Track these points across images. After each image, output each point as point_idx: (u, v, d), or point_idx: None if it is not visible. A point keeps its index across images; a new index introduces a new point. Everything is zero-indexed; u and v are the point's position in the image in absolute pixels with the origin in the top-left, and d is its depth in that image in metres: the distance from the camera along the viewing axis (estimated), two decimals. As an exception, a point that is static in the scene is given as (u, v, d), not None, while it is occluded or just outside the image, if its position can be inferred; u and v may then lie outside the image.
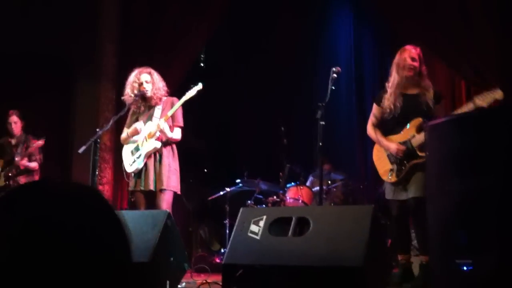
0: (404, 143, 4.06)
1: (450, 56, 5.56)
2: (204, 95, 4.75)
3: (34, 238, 0.78)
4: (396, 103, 4.10)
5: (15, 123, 6.20)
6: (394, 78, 4.15)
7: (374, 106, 4.35)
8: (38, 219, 0.80)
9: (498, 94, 3.69)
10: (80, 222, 0.83)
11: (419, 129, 4.00)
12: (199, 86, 4.57)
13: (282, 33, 8.45)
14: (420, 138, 3.94)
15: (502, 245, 2.68)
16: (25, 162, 6.04)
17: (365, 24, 8.18)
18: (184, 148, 4.84)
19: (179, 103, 4.55)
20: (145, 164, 4.52)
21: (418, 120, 4.04)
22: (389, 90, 4.17)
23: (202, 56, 8.53)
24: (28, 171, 6.12)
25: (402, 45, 4.26)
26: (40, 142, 5.99)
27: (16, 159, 6.01)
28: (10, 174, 6.03)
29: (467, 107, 3.80)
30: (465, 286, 2.83)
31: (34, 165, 6.13)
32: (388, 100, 4.14)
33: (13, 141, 6.22)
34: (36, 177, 6.18)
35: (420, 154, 3.94)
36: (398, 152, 4.06)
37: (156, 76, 4.68)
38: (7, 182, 6.02)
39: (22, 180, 6.06)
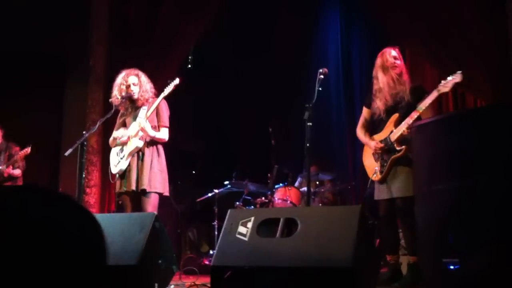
0: (383, 140, 4.15)
1: (439, 56, 5.59)
2: (192, 96, 4.74)
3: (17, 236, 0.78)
4: (387, 102, 4.17)
5: None
6: (381, 80, 4.20)
7: (364, 108, 4.44)
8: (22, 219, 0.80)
9: (458, 77, 3.82)
10: (60, 224, 0.82)
11: (396, 124, 4.08)
12: (176, 81, 4.51)
13: (271, 34, 8.46)
14: (397, 132, 4.04)
15: (490, 244, 2.70)
16: (9, 170, 6.04)
17: (354, 24, 8.21)
18: (172, 149, 4.82)
19: (157, 100, 4.52)
20: (129, 165, 4.49)
21: (395, 116, 4.12)
22: (378, 94, 4.22)
23: (190, 57, 8.50)
24: (12, 178, 6.13)
25: (391, 45, 4.34)
26: (26, 150, 5.98)
27: (0, 167, 5.97)
28: None
29: (432, 96, 3.91)
30: (454, 286, 2.84)
31: (18, 172, 6.17)
32: (379, 102, 4.19)
33: None
34: (20, 184, 6.16)
35: (398, 148, 4.02)
36: (376, 149, 4.15)
37: (144, 78, 4.65)
38: None
39: None
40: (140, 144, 4.46)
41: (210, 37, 7.21)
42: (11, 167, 6.04)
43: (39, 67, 6.86)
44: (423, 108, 3.93)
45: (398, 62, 4.19)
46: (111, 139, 4.74)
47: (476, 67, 5.29)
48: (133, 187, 4.40)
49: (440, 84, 3.91)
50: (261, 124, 7.22)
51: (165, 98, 4.55)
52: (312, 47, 8.44)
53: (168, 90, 4.51)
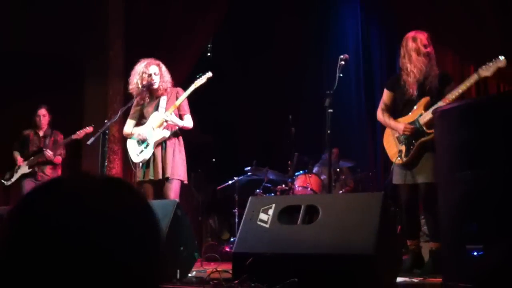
0: (412, 122, 4.06)
1: (457, 44, 5.51)
2: (213, 84, 4.76)
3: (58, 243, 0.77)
4: (414, 88, 4.08)
5: (44, 116, 6.37)
6: (415, 64, 4.07)
7: (385, 91, 4.34)
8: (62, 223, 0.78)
9: (501, 62, 3.72)
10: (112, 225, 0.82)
11: (426, 108, 4.00)
12: (209, 74, 4.58)
13: (291, 23, 8.42)
14: (427, 115, 3.94)
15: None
16: (51, 153, 6.16)
17: (372, 11, 8.12)
18: (192, 139, 4.86)
19: (188, 91, 4.58)
20: (153, 154, 4.54)
21: (425, 99, 4.03)
22: (408, 77, 4.10)
23: (209, 45, 8.50)
24: (52, 164, 6.29)
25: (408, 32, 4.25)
26: (68, 139, 6.16)
27: (46, 151, 6.14)
28: (39, 160, 6.17)
29: (472, 79, 3.83)
30: (475, 273, 2.82)
31: (59, 159, 6.31)
32: (410, 84, 4.09)
33: (41, 133, 6.38)
34: (59, 171, 6.36)
35: (428, 131, 3.94)
36: (406, 130, 4.05)
37: (164, 68, 4.70)
38: (30, 170, 6.20)
39: (47, 171, 6.24)
40: (167, 134, 4.54)
41: (228, 25, 7.21)
42: (53, 152, 6.19)
43: (59, 61, 7.01)
44: (457, 93, 3.82)
45: (428, 50, 4.07)
46: (126, 131, 4.77)
47: (497, 52, 5.20)
48: (160, 176, 4.48)
49: (482, 68, 3.79)
50: (281, 112, 7.21)
51: (182, 87, 4.60)
52: (332, 35, 8.38)
53: (200, 82, 4.60)
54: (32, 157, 6.22)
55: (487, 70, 3.76)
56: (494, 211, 2.75)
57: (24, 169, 6.22)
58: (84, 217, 0.79)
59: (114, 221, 0.81)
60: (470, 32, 5.38)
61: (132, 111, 4.79)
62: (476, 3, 5.34)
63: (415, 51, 4.08)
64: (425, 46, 4.07)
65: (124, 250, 0.80)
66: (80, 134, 6.09)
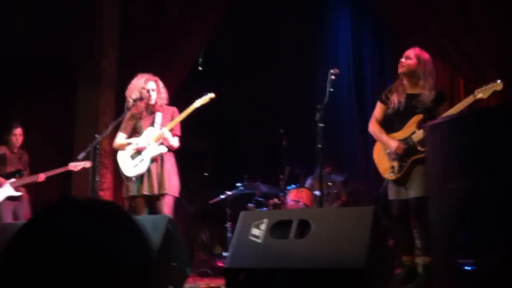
0: (404, 140, 4.09)
1: (450, 56, 5.55)
2: (203, 97, 4.77)
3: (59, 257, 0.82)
4: (400, 99, 4.16)
5: (20, 135, 6.16)
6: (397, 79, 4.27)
7: (378, 104, 4.38)
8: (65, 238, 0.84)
9: (498, 86, 3.82)
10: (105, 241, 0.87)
11: (419, 126, 4.03)
12: (211, 94, 4.65)
13: (282, 34, 8.45)
14: (420, 133, 3.97)
15: (505, 244, 2.67)
16: (43, 177, 5.98)
17: (364, 23, 8.16)
18: (184, 151, 4.86)
19: (188, 110, 4.60)
20: (148, 169, 4.53)
21: (418, 117, 4.07)
22: (393, 91, 4.24)
23: (200, 59, 8.52)
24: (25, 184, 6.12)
25: (401, 45, 4.34)
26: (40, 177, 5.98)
27: (39, 175, 5.96)
28: (28, 182, 6.03)
29: (467, 101, 3.90)
30: (468, 286, 2.82)
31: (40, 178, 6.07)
32: (394, 95, 4.20)
33: (16, 151, 6.18)
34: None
35: (421, 149, 3.97)
36: (398, 150, 4.08)
37: (161, 85, 4.76)
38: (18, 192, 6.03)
39: (22, 190, 6.06)
40: (165, 150, 4.58)
41: (218, 38, 7.23)
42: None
43: (49, 71, 6.94)
44: (458, 109, 3.87)
45: (408, 61, 4.14)
46: (120, 142, 4.74)
47: (488, 64, 5.25)
48: (156, 191, 4.48)
49: (478, 90, 3.88)
50: (273, 125, 7.22)
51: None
52: (322, 47, 8.41)
53: (200, 102, 4.63)
54: (19, 179, 6.02)
55: (483, 93, 3.85)
56: (485, 222, 2.77)
57: (8, 190, 5.94)
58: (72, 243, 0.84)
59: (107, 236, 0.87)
60: (466, 45, 5.42)
61: (123, 125, 4.77)
62: (471, 12, 5.38)
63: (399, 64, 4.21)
64: (406, 58, 4.16)
65: (117, 263, 0.86)
66: (77, 167, 5.92)
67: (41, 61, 6.82)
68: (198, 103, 4.62)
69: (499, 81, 3.84)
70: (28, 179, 6.05)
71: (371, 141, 4.51)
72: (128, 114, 4.72)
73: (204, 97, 4.65)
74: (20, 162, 6.16)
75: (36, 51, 6.79)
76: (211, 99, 4.64)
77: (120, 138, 4.77)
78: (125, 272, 0.87)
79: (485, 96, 3.87)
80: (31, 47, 6.78)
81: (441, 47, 5.58)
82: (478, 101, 3.97)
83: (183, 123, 4.70)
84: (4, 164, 6.09)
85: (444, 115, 3.88)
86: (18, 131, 6.15)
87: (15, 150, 6.19)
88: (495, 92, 3.90)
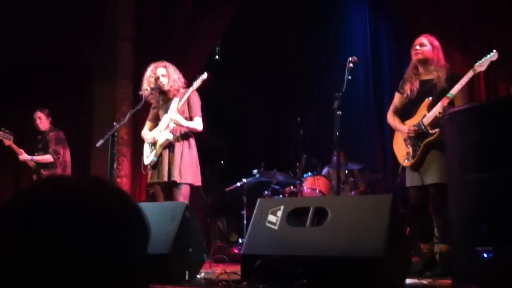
0: (417, 124, 4.09)
1: (467, 44, 5.48)
2: (221, 87, 4.76)
3: (45, 243, 0.78)
4: (413, 87, 4.17)
5: (39, 118, 6.27)
6: (410, 64, 4.27)
7: (396, 94, 4.40)
8: (51, 223, 0.79)
9: (493, 57, 3.88)
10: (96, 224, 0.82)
11: (429, 108, 4.04)
12: (204, 75, 4.55)
13: (299, 24, 8.42)
14: (430, 116, 3.99)
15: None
16: (24, 156, 6.08)
17: (381, 13, 8.09)
18: (200, 142, 4.86)
19: (186, 94, 4.56)
20: (160, 156, 4.55)
21: (428, 100, 4.08)
22: (406, 80, 4.27)
23: (217, 48, 8.52)
24: (46, 165, 6.17)
25: (418, 34, 4.32)
26: (52, 134, 6.10)
27: (22, 155, 6.09)
28: (37, 166, 6.14)
29: (469, 75, 3.91)
30: (486, 275, 2.80)
31: (45, 157, 6.16)
32: (407, 85, 4.22)
33: (39, 137, 6.32)
34: (58, 170, 6.19)
35: (431, 131, 3.97)
36: (410, 132, 4.10)
37: (171, 68, 4.69)
38: (37, 176, 6.15)
39: (45, 173, 6.15)
40: (170, 136, 4.52)
41: (236, 30, 7.22)
42: (30, 156, 6.12)
43: (68, 65, 7.06)
44: (456, 90, 3.88)
45: (424, 48, 4.15)
46: (143, 134, 4.81)
47: (508, 54, 5.16)
48: (165, 178, 4.48)
49: (476, 64, 3.91)
50: (290, 114, 7.20)
51: (196, 90, 4.60)
52: (340, 36, 8.36)
53: (196, 84, 4.56)
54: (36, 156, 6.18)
55: (481, 66, 3.89)
56: (506, 213, 2.74)
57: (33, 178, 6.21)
58: (65, 220, 0.79)
59: (95, 221, 0.81)
60: (483, 31, 5.34)
61: (150, 113, 4.84)
62: (491, 6, 5.31)
63: (411, 51, 4.23)
64: (420, 45, 4.17)
65: (108, 249, 0.80)
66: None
67: (58, 57, 6.97)
68: (194, 85, 4.55)
69: (494, 51, 3.88)
70: (40, 158, 6.15)
71: (388, 130, 4.51)
72: (152, 105, 4.77)
73: (198, 79, 4.55)
74: (37, 146, 6.24)
75: (53, 47, 6.93)
76: (204, 81, 4.54)
77: (145, 128, 4.83)
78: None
79: (483, 69, 3.90)
80: (49, 44, 6.91)
81: (458, 36, 5.51)
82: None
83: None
84: (36, 147, 6.25)
85: (450, 92, 3.91)
86: (37, 114, 6.27)
87: (42, 132, 6.29)
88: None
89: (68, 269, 0.76)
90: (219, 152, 8.66)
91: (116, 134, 4.42)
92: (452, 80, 4.04)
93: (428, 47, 4.15)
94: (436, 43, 4.19)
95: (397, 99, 4.37)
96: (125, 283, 0.82)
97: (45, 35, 6.89)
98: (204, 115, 4.70)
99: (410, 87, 4.19)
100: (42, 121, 6.28)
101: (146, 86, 4.66)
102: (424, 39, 4.18)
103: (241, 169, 7.35)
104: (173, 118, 4.47)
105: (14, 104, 7.15)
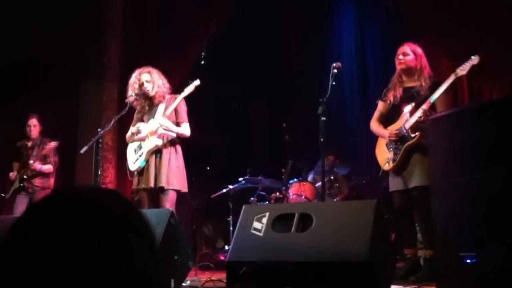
0: (399, 128, 4.15)
1: (455, 47, 5.53)
2: (206, 93, 4.75)
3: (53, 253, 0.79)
4: (396, 94, 4.25)
5: (34, 126, 6.25)
6: (395, 73, 4.34)
7: (380, 102, 4.46)
8: (59, 232, 0.80)
9: (474, 61, 3.92)
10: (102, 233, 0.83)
11: (411, 113, 4.09)
12: (197, 82, 4.57)
13: (285, 28, 8.43)
14: (412, 120, 4.04)
15: (509, 239, 2.66)
16: (37, 164, 6.05)
17: (368, 17, 8.14)
18: (186, 145, 4.84)
19: (177, 100, 4.56)
20: (147, 162, 4.53)
21: (410, 106, 4.13)
22: (390, 87, 4.34)
23: (202, 53, 8.50)
24: (42, 174, 6.13)
25: (405, 39, 4.38)
26: (54, 144, 6.03)
27: (30, 162, 6.03)
28: (25, 176, 6.06)
29: (450, 79, 3.96)
30: (470, 280, 2.82)
31: (47, 167, 6.15)
32: (391, 92, 4.29)
33: (29, 144, 6.24)
34: (52, 180, 6.21)
35: (412, 135, 4.03)
36: (391, 136, 4.15)
37: (156, 74, 4.68)
38: (21, 184, 6.07)
39: (37, 182, 6.09)
40: (160, 142, 4.51)
41: (223, 33, 7.21)
42: (39, 162, 6.09)
43: (54, 65, 6.94)
44: (438, 95, 3.93)
45: (407, 57, 4.21)
46: (128, 134, 4.77)
47: (493, 58, 5.22)
48: (152, 185, 4.45)
49: (459, 68, 3.95)
50: (275, 119, 7.21)
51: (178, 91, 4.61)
52: (326, 41, 8.39)
53: (188, 90, 4.57)
54: (22, 170, 6.10)
55: (463, 70, 3.93)
56: (489, 216, 2.76)
57: (15, 184, 6.10)
58: (78, 227, 0.80)
59: (95, 221, 0.83)
60: (470, 35, 5.40)
61: (134, 118, 4.82)
62: (477, 6, 5.36)
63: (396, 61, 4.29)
64: (403, 54, 4.23)
65: (108, 249, 0.82)
66: (49, 148, 6.04)
67: (45, 55, 6.84)
68: (186, 91, 4.56)
69: (475, 56, 3.92)
70: (25, 172, 6.08)
71: (374, 135, 4.54)
72: (136, 110, 4.75)
73: (190, 85, 4.56)
74: (32, 153, 6.15)
75: (40, 45, 6.81)
76: (196, 87, 4.57)
77: (129, 132, 4.79)
78: (127, 270, 0.83)
79: (465, 73, 3.94)
80: (36, 41, 6.80)
81: (447, 41, 5.56)
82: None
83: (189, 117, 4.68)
84: (25, 156, 6.16)
85: (431, 96, 3.95)
86: (32, 121, 6.24)
87: (28, 143, 6.24)
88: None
89: (68, 269, 0.77)
90: (206, 156, 8.63)
91: (100, 140, 4.39)
92: (434, 88, 4.08)
93: (411, 56, 4.22)
94: (419, 50, 4.25)
95: (381, 106, 4.44)
96: (125, 283, 0.82)
97: (33, 33, 6.77)
98: (204, 115, 4.69)
99: (393, 94, 4.26)
100: (36, 128, 6.26)
101: (131, 92, 4.65)
102: (406, 48, 4.24)
103: (227, 174, 7.33)
104: (162, 124, 4.46)
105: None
